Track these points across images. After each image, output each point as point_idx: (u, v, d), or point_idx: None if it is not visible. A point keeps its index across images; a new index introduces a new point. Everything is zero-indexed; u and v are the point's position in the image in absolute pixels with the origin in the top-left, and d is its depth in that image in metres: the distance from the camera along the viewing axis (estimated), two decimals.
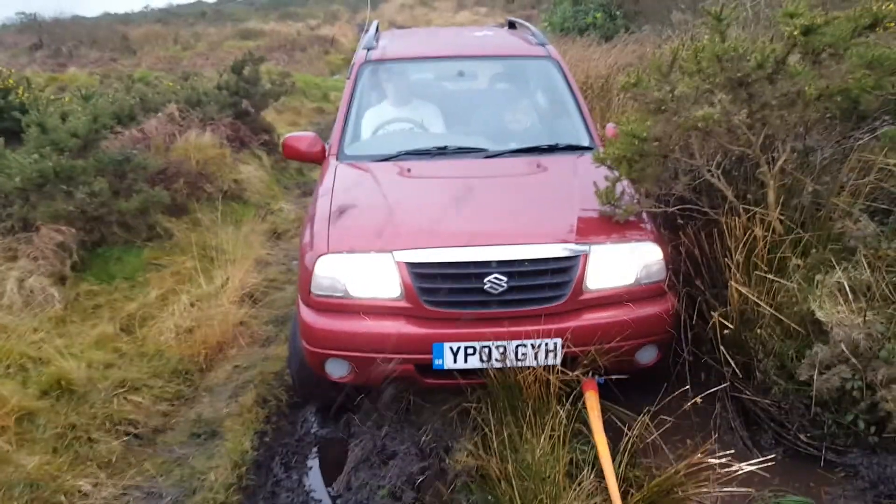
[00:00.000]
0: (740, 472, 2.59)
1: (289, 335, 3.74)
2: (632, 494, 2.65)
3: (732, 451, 2.69)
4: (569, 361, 3.01)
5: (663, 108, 3.20)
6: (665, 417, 2.79)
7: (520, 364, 2.94)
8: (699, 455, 2.59)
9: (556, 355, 2.98)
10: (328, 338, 3.07)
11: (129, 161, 5.43)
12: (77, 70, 14.25)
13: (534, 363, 2.94)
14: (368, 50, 4.60)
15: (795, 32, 2.93)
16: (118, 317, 4.41)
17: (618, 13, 13.37)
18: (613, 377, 3.06)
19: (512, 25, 5.80)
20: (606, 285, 3.06)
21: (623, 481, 2.74)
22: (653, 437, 2.79)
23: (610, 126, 4.13)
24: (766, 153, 3.35)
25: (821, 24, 2.94)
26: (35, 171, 4.81)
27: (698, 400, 2.81)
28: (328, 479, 3.22)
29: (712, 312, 3.30)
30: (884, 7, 3.05)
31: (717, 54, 3.02)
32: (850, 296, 2.98)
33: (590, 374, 3.04)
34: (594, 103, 7.00)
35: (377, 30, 5.24)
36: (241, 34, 22.18)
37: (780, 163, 3.26)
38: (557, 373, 2.89)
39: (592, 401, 2.99)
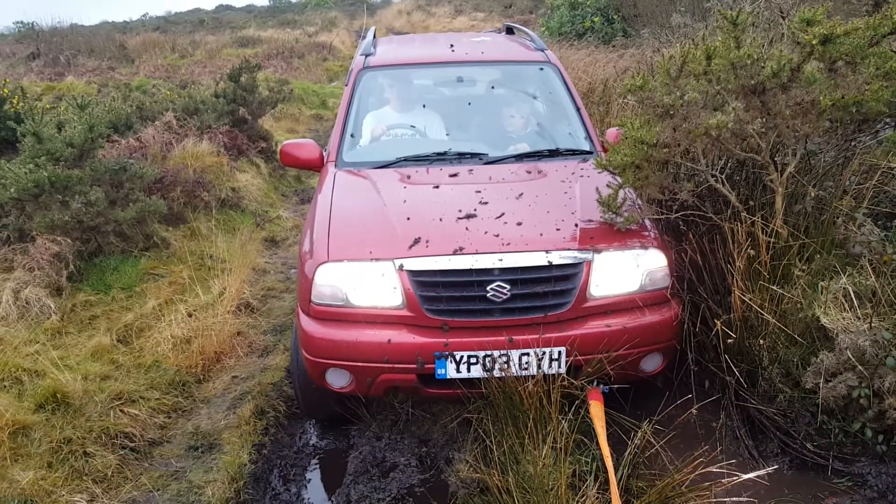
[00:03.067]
0: (741, 480, 2.55)
1: (290, 346, 3.69)
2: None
3: (734, 461, 2.65)
4: (573, 370, 2.97)
5: (672, 113, 3.15)
6: (660, 427, 2.75)
7: (524, 373, 2.90)
8: (696, 464, 2.55)
9: (560, 364, 2.94)
10: (329, 347, 3.02)
11: (125, 170, 5.40)
12: (74, 79, 14.22)
13: (537, 372, 2.89)
14: (366, 56, 4.57)
15: (814, 42, 2.87)
16: (115, 328, 4.37)
17: (616, 17, 13.37)
18: (617, 386, 3.02)
19: (510, 31, 5.78)
20: (610, 293, 3.03)
21: (625, 492, 2.70)
22: (655, 447, 2.74)
23: (612, 130, 4.09)
24: (773, 159, 3.30)
25: (840, 34, 2.88)
26: (30, 181, 4.78)
27: (694, 411, 2.77)
28: (327, 492, 3.17)
29: (716, 320, 3.25)
30: None
31: (731, 61, 2.96)
32: (856, 302, 2.94)
33: (594, 383, 3.00)
34: (593, 108, 6.97)
35: (375, 36, 5.22)
36: (240, 42, 22.20)
37: (789, 170, 3.22)
38: (561, 382, 2.84)
39: (597, 409, 2.95)
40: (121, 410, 3.54)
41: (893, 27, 2.83)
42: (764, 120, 2.98)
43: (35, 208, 4.91)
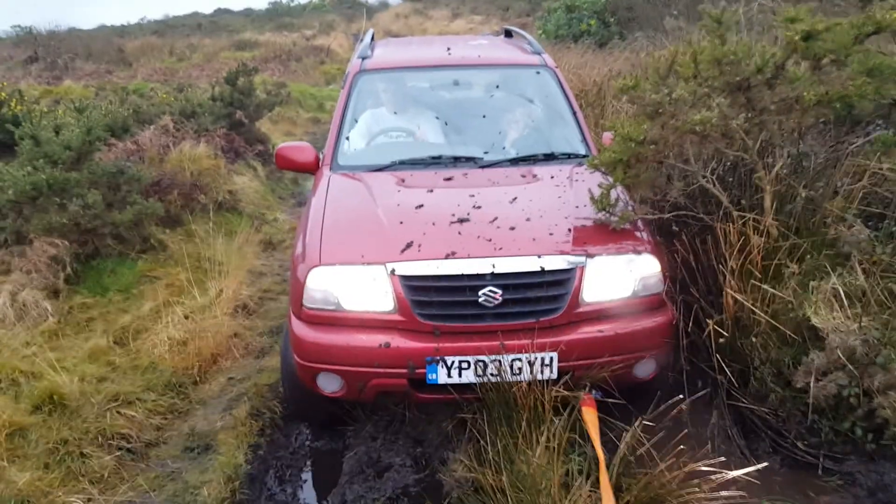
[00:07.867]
0: (733, 478, 2.58)
1: (280, 349, 3.70)
2: (626, 502, 2.63)
3: (723, 459, 2.67)
4: (565, 375, 2.97)
5: (660, 111, 3.18)
6: (650, 424, 2.77)
7: (515, 379, 2.89)
8: (683, 460, 2.57)
9: (552, 369, 2.94)
10: (320, 351, 3.02)
11: (122, 173, 5.42)
12: (72, 83, 14.25)
13: (529, 377, 2.89)
14: (363, 59, 4.58)
15: (796, 38, 2.92)
16: (112, 330, 4.39)
17: (611, 20, 13.43)
18: (611, 400, 3.02)
19: (509, 34, 5.79)
20: (603, 298, 3.01)
21: (617, 489, 2.71)
22: (645, 447, 2.76)
23: (607, 135, 4.11)
24: (763, 158, 3.34)
25: (821, 31, 2.93)
26: (28, 184, 4.80)
27: (683, 407, 2.78)
28: (323, 492, 3.19)
29: (708, 320, 3.28)
30: (887, 15, 3.05)
31: (716, 58, 3.00)
32: (846, 302, 2.96)
33: (587, 388, 3.00)
34: (588, 111, 7.00)
35: (372, 39, 5.23)
36: (237, 45, 22.25)
37: (776, 168, 3.25)
38: (552, 387, 2.85)
39: (591, 416, 2.92)
40: (117, 412, 3.56)
41: (877, 27, 2.88)
42: (748, 115, 3.02)
43: (33, 211, 4.93)
